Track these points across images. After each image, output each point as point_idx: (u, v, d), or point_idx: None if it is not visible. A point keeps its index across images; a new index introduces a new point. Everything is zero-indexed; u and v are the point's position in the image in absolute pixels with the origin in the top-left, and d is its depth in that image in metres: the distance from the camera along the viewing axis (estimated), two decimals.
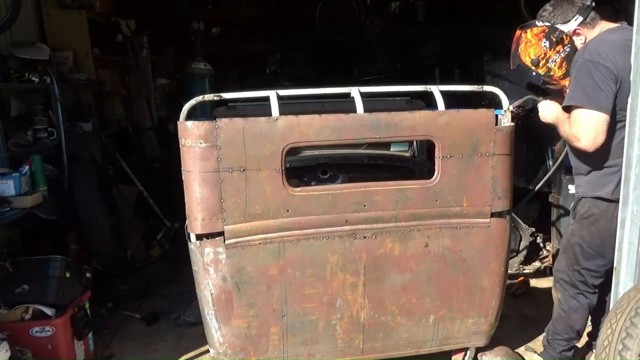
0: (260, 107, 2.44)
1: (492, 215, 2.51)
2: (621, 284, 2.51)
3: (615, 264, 2.57)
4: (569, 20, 2.37)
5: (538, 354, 2.88)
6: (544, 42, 2.39)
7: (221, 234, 2.25)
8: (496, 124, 2.43)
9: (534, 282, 3.82)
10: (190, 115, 2.23)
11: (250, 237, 2.28)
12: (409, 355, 2.68)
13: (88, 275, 2.99)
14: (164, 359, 2.99)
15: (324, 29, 6.64)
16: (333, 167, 3.03)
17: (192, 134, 2.18)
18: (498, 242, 2.55)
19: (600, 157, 2.36)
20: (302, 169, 3.09)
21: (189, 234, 2.30)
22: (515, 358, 2.83)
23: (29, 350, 2.61)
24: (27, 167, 3.13)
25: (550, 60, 2.42)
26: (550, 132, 3.91)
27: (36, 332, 2.61)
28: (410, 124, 2.37)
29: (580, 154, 2.42)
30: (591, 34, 2.38)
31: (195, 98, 2.24)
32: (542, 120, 2.57)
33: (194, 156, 2.19)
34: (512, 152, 2.50)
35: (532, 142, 4.01)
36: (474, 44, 5.09)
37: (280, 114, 2.25)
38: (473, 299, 2.60)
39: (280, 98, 2.32)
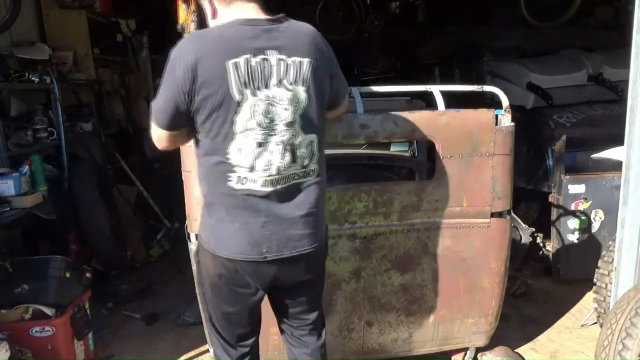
0: None
1: (492, 215, 2.51)
2: (621, 284, 2.52)
3: (615, 264, 2.57)
4: None
5: None
6: (183, 4, 1.97)
7: None
8: (496, 124, 2.44)
9: (534, 282, 3.81)
10: None
11: None
12: (409, 355, 2.68)
13: (88, 275, 2.98)
14: (164, 359, 2.99)
15: (324, 29, 6.62)
16: (333, 167, 3.03)
17: None
18: (498, 242, 2.55)
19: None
20: None
21: (189, 234, 2.30)
22: (515, 358, 2.83)
23: (28, 350, 2.61)
24: (27, 167, 3.13)
25: (191, 28, 1.98)
26: (550, 132, 3.92)
27: (36, 332, 2.61)
28: (410, 124, 2.37)
29: None
30: (224, 12, 1.73)
31: None
32: None
33: (194, 156, 2.18)
34: (512, 152, 2.50)
35: (532, 142, 4.01)
36: (474, 44, 5.09)
37: None
38: (473, 299, 2.60)
39: None
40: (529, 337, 3.10)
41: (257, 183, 1.67)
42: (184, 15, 1.94)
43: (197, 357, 2.98)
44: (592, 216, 3.66)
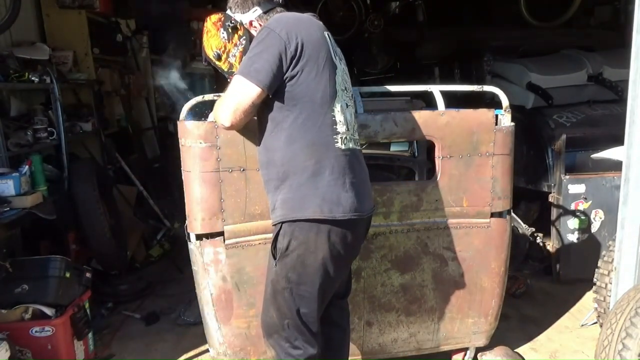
0: None
1: (492, 215, 2.51)
2: (621, 284, 2.52)
3: (615, 264, 2.57)
4: (247, 11, 2.01)
5: None
6: (222, 33, 2.04)
7: (221, 234, 2.25)
8: (496, 124, 2.44)
9: (534, 282, 3.81)
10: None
11: (250, 237, 2.28)
12: (409, 355, 2.68)
13: (88, 275, 2.98)
14: (164, 359, 2.99)
15: None
16: None
17: (192, 134, 2.18)
18: (498, 242, 2.55)
19: (286, 159, 1.85)
20: None
21: (189, 234, 2.30)
22: (515, 358, 2.83)
23: (28, 350, 2.61)
24: (27, 167, 3.13)
25: (230, 55, 2.05)
26: (550, 132, 3.92)
27: (36, 332, 2.61)
28: (410, 124, 2.37)
29: (266, 154, 1.93)
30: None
31: (195, 98, 2.24)
32: None
33: (194, 156, 2.19)
34: (512, 152, 2.50)
35: (532, 142, 4.01)
36: (474, 44, 5.09)
37: None
38: (473, 299, 2.60)
39: None
40: (529, 337, 3.10)
41: (349, 142, 1.89)
42: (220, 42, 2.04)
43: (197, 357, 2.98)
44: (592, 216, 3.66)
